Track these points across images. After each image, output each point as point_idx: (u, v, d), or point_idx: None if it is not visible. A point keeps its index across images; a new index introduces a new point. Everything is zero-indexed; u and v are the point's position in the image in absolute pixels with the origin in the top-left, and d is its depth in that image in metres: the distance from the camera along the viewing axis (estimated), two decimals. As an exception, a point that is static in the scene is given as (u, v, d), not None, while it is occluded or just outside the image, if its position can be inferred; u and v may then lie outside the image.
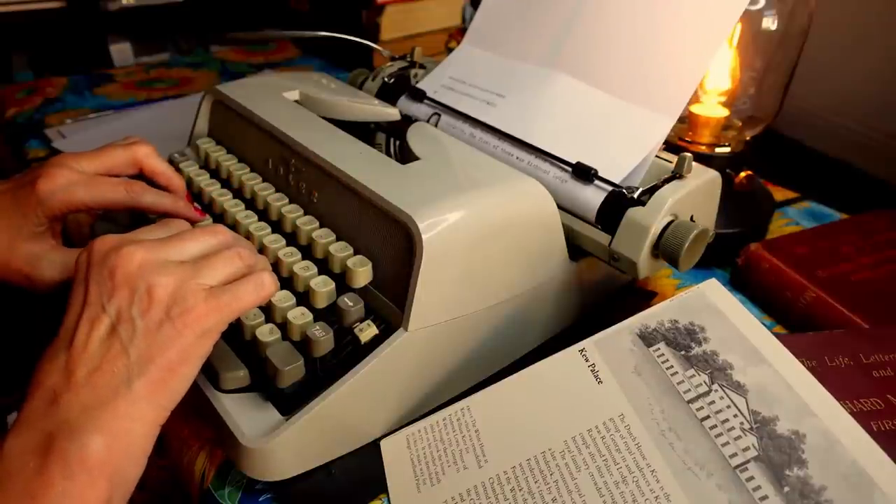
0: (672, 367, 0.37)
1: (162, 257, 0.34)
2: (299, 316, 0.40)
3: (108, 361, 0.31)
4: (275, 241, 0.45)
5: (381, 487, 0.39)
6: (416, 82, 0.61)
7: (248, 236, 0.47)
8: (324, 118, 0.52)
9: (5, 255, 0.44)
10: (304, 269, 0.42)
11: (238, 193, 0.52)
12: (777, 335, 0.36)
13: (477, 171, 0.45)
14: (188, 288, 0.33)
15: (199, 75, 1.01)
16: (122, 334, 0.32)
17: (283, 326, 0.40)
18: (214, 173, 0.55)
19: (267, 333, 0.40)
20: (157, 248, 0.34)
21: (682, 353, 0.37)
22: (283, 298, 0.41)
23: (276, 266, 0.44)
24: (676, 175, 0.45)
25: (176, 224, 0.39)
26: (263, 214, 0.49)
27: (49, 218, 0.44)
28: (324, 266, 0.43)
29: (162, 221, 0.39)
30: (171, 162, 0.56)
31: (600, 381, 0.38)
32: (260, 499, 0.39)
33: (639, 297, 0.56)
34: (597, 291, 0.53)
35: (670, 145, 0.59)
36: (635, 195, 0.44)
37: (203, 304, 0.33)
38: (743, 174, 0.58)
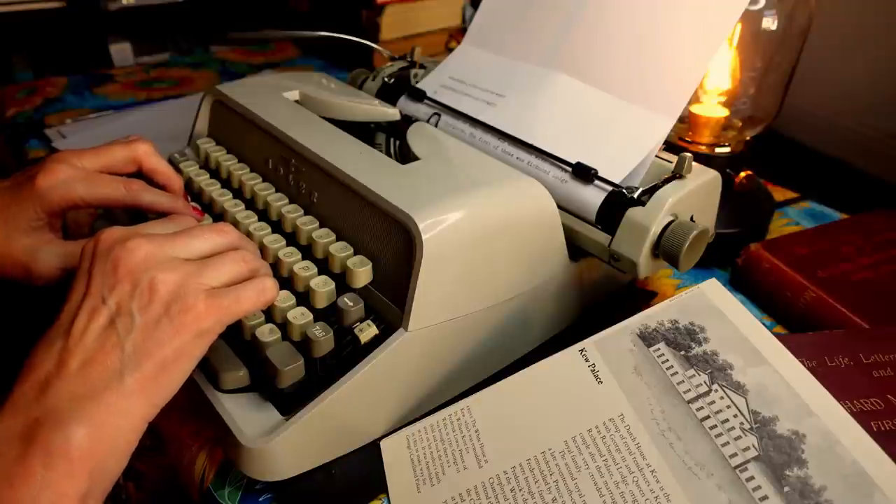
0: (672, 367, 0.37)
1: (167, 253, 0.34)
2: (299, 316, 0.40)
3: (103, 353, 0.31)
4: (275, 241, 0.45)
5: (381, 487, 0.39)
6: (416, 82, 0.61)
7: (249, 236, 0.47)
8: (324, 118, 0.52)
9: (2, 248, 0.44)
10: (304, 269, 0.42)
11: (238, 193, 0.52)
12: (777, 335, 0.36)
13: (477, 171, 0.45)
14: (190, 286, 0.33)
15: (199, 75, 1.01)
16: (120, 328, 0.32)
17: (283, 326, 0.40)
18: (214, 173, 0.55)
19: (267, 333, 0.40)
20: (163, 244, 0.34)
21: (682, 353, 0.37)
22: (283, 298, 0.41)
23: (276, 266, 0.44)
24: (676, 175, 0.45)
25: (183, 220, 0.39)
26: (263, 214, 0.49)
27: (47, 213, 0.44)
28: (324, 266, 0.43)
29: (170, 217, 0.39)
30: (171, 162, 0.56)
31: (600, 382, 0.38)
32: (260, 499, 0.39)
33: (639, 297, 0.56)
34: (597, 291, 0.53)
35: (670, 145, 0.59)
36: (635, 195, 0.44)
37: (203, 304, 0.33)
38: (743, 174, 0.58)
